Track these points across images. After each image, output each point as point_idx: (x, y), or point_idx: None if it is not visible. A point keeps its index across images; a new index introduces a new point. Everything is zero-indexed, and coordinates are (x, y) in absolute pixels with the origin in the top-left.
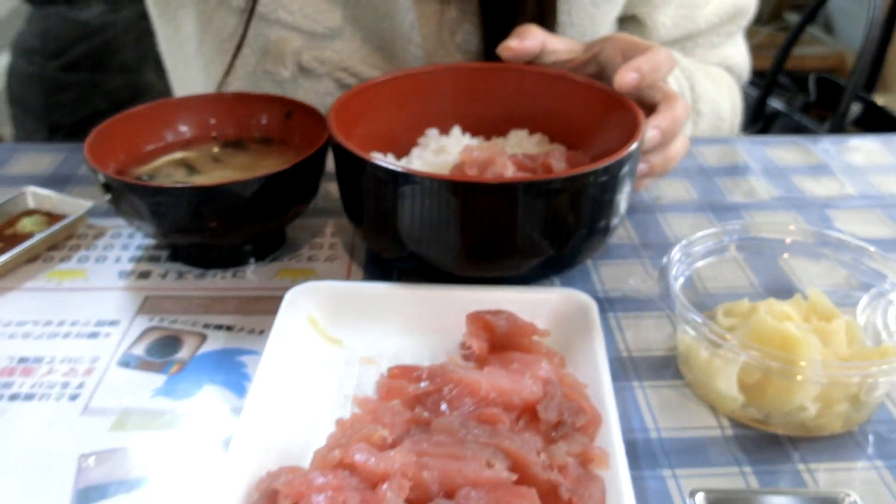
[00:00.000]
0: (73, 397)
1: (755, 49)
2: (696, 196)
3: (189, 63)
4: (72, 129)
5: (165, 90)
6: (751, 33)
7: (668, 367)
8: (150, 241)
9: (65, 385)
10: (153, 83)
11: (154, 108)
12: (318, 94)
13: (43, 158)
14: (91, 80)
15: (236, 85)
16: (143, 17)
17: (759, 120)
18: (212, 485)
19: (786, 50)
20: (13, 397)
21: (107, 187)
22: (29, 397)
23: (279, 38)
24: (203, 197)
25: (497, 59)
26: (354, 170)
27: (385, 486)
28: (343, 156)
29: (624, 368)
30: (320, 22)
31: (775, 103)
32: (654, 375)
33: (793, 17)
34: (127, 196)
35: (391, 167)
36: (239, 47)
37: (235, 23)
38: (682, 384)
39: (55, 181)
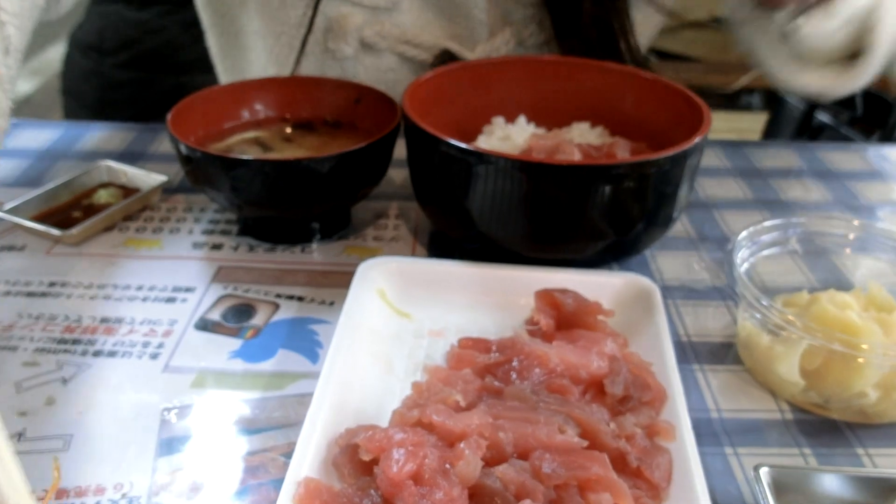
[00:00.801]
0: (154, 356)
1: None
2: (750, 195)
3: (243, 55)
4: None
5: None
6: None
7: (727, 352)
8: (221, 216)
9: (145, 344)
10: (206, 84)
11: (231, 88)
12: (380, 71)
13: (115, 136)
14: (145, 79)
15: (300, 69)
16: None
17: (806, 132)
18: (292, 440)
19: None
20: (97, 353)
21: (187, 159)
22: (112, 354)
23: (340, 14)
24: (280, 171)
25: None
26: (428, 150)
27: (462, 444)
28: (418, 136)
29: (684, 352)
30: None
31: (822, 116)
32: (714, 360)
33: None
34: (207, 167)
35: (466, 146)
36: (309, 30)
37: (304, 4)
38: (742, 369)
39: (126, 158)
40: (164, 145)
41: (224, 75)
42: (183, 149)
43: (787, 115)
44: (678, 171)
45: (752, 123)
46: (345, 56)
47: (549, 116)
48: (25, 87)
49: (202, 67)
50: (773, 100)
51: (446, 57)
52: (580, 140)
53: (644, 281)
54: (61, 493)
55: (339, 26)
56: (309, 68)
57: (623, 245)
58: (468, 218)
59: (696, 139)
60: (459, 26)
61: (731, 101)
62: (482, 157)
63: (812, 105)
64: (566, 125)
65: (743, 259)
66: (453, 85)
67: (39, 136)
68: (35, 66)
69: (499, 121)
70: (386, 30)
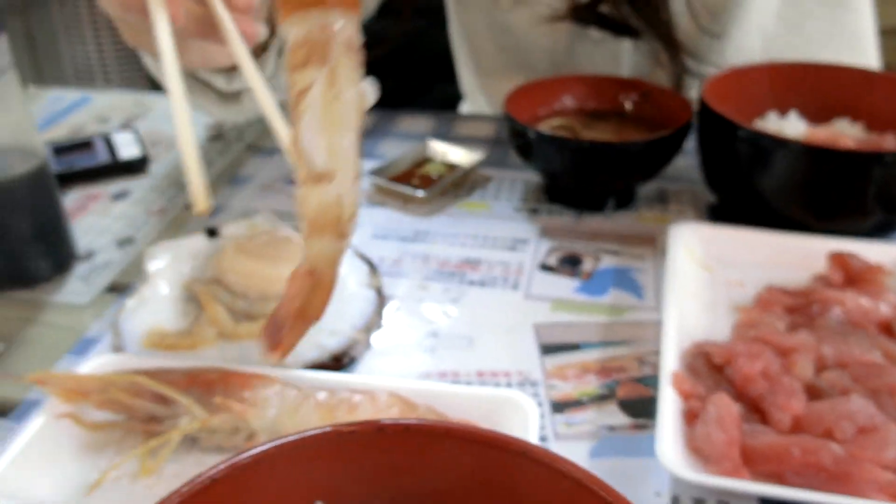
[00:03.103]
0: (515, 287)
1: None
2: None
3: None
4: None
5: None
6: None
7: None
8: (531, 187)
9: (505, 279)
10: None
11: (546, 84)
12: (533, 22)
13: (420, 120)
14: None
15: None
16: (421, 31)
17: None
18: (639, 351)
19: None
20: (471, 283)
21: (521, 135)
22: (482, 284)
23: None
24: (598, 151)
25: None
26: (726, 135)
27: (796, 355)
28: (716, 123)
29: None
30: None
31: None
32: None
33: None
34: (540, 144)
35: (766, 133)
36: None
37: None
38: None
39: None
40: (461, 129)
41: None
42: (519, 127)
43: None
44: None
45: None
46: (503, 9)
47: (815, 113)
48: None
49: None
50: None
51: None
52: (843, 132)
53: None
54: (482, 373)
55: None
56: (482, 24)
57: (893, 223)
58: (760, 195)
59: None
60: None
61: None
62: (777, 142)
63: None
64: (828, 121)
65: None
66: (744, 82)
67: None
68: None
69: (772, 115)
70: None
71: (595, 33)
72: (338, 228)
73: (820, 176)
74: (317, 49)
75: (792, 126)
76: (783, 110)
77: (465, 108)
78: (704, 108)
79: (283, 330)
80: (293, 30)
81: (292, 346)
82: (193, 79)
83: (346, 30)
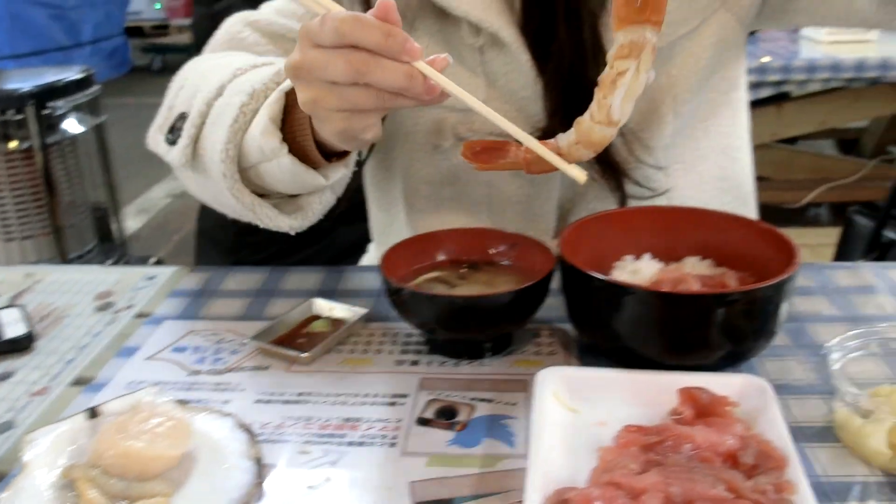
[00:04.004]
0: (392, 444)
1: (862, 181)
2: (835, 311)
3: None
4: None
5: (333, 233)
6: (857, 166)
7: (827, 434)
8: (412, 339)
9: (383, 437)
10: (329, 228)
11: (419, 239)
12: None
13: (308, 277)
14: None
15: (416, 167)
16: None
17: (874, 250)
18: (509, 502)
19: None
20: (350, 444)
21: (397, 292)
22: (361, 444)
23: (440, 117)
24: (469, 304)
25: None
26: (583, 284)
27: (645, 496)
28: (574, 274)
29: (792, 433)
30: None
31: (890, 233)
32: (817, 439)
33: None
34: (413, 301)
35: (617, 282)
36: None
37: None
38: (841, 446)
39: (320, 294)
40: (348, 283)
41: (375, 204)
42: (394, 285)
43: (857, 233)
44: (779, 295)
45: (822, 238)
46: (446, 149)
47: (667, 252)
48: (134, 224)
49: (325, 218)
50: (839, 214)
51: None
52: (692, 271)
53: (758, 379)
54: None
55: (438, 127)
56: (422, 164)
57: (738, 354)
58: (616, 336)
59: (793, 269)
60: (535, 117)
61: (800, 216)
62: (628, 290)
63: (880, 223)
64: (680, 259)
65: (835, 360)
66: (593, 230)
67: (250, 279)
68: (141, 206)
69: (629, 258)
70: (475, 126)
71: None
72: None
73: (667, 317)
74: (635, 49)
75: (646, 267)
76: (638, 254)
77: (372, 249)
78: (563, 259)
79: None
80: (622, 35)
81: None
82: (259, 196)
83: (652, 39)
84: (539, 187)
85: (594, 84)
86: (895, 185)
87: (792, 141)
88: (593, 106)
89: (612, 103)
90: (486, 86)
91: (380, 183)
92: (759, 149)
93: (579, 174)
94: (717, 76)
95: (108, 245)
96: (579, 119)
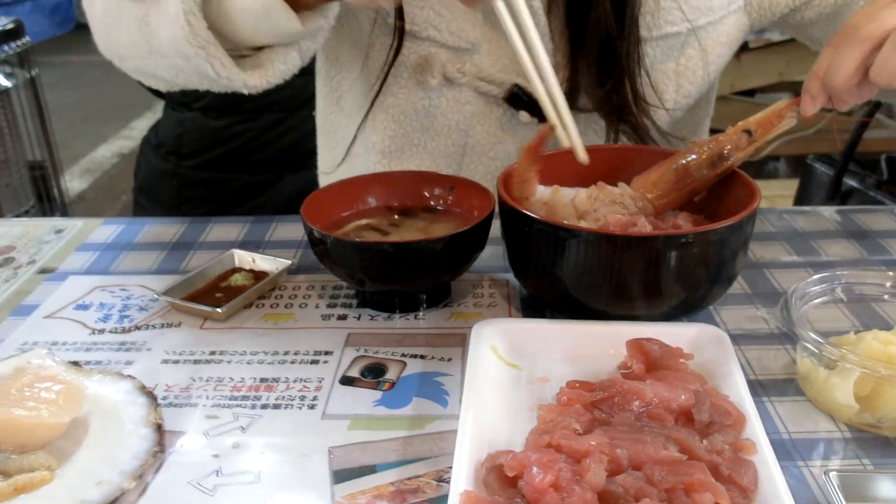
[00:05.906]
0: (312, 406)
1: (822, 132)
2: (795, 256)
3: (341, 111)
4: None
5: (278, 183)
6: (815, 118)
7: (789, 386)
8: (340, 292)
9: (302, 398)
10: (274, 181)
11: (348, 183)
12: (459, 103)
13: (233, 228)
14: (220, 178)
15: (391, 101)
16: (272, 125)
17: (836, 196)
18: (439, 467)
19: (858, 134)
20: (265, 406)
21: (320, 242)
22: (276, 406)
23: (429, 52)
24: (400, 251)
25: None
26: (522, 226)
27: (588, 459)
28: (514, 217)
29: (752, 387)
30: (462, 38)
31: (850, 181)
32: (779, 393)
33: None
34: (337, 250)
35: (560, 224)
36: (394, 61)
37: (390, 41)
38: (804, 399)
39: (246, 246)
40: (276, 233)
41: (323, 137)
42: (316, 234)
43: (816, 181)
44: (737, 238)
45: (781, 190)
46: (430, 87)
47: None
48: (79, 185)
49: (270, 168)
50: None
51: (515, 90)
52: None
53: (715, 329)
54: None
55: (426, 62)
56: (398, 99)
57: (692, 302)
58: (560, 284)
59: (751, 210)
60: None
61: (759, 168)
62: (571, 231)
63: (839, 172)
64: None
65: (797, 307)
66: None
67: (168, 231)
68: (86, 166)
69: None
70: (466, 68)
71: (525, 116)
72: None
73: (615, 262)
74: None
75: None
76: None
77: None
78: (501, 200)
79: None
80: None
81: None
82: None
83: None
84: (518, 141)
85: (598, 27)
86: (853, 135)
87: (750, 93)
88: None
89: None
90: (482, 21)
91: (343, 118)
92: (719, 101)
93: (584, 157)
94: (714, 73)
95: (51, 205)
96: None
